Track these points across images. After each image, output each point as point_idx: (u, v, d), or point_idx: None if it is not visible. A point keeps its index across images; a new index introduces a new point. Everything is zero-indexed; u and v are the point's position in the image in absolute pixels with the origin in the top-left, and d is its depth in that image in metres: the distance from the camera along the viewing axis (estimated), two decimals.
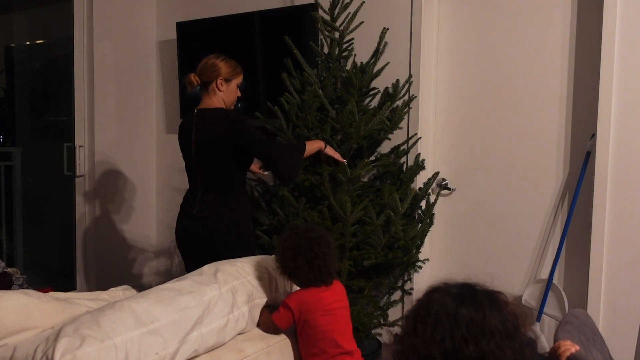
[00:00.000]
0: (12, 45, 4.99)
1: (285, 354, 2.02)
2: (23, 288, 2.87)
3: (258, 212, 2.98)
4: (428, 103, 3.17)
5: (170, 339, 1.66)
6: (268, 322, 1.99)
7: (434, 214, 3.01)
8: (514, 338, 1.10)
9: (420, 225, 2.92)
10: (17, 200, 4.58)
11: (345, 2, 2.93)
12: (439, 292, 1.13)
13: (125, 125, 4.01)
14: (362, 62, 3.03)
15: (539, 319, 2.79)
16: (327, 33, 2.87)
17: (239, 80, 2.54)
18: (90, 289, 3.86)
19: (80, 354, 1.46)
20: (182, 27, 3.81)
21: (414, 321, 1.12)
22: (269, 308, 2.05)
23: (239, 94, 2.56)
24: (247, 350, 1.87)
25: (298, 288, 2.13)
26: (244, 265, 2.08)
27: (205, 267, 2.06)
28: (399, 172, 3.04)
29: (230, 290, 1.93)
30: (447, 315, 1.08)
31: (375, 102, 3.13)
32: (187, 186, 2.59)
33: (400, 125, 3.04)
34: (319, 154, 2.72)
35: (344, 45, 2.95)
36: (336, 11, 2.94)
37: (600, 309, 2.69)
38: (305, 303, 1.93)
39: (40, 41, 4.83)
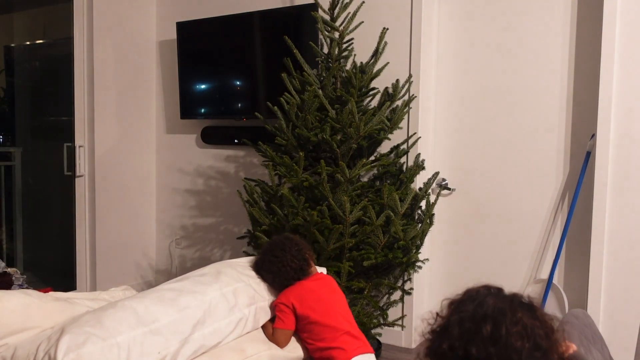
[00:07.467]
0: (12, 45, 4.99)
1: (288, 356, 2.02)
2: (23, 288, 2.87)
3: (257, 212, 2.98)
4: (428, 103, 3.17)
5: (171, 338, 1.66)
6: (275, 334, 2.01)
7: (434, 214, 3.01)
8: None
9: (420, 225, 2.92)
10: (17, 200, 4.58)
11: (345, 2, 2.93)
12: (496, 298, 1.14)
13: (125, 125, 4.01)
14: (362, 62, 3.02)
15: None
16: (327, 33, 2.87)
17: None
18: (90, 289, 3.87)
19: (83, 352, 1.46)
20: (182, 27, 3.81)
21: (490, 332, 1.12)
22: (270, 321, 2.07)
23: None
24: (249, 350, 1.87)
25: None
26: (244, 269, 2.09)
27: (207, 268, 2.06)
28: (398, 172, 3.04)
29: (232, 292, 1.93)
30: (523, 326, 1.11)
31: (375, 102, 3.13)
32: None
33: (400, 125, 3.04)
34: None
35: (344, 45, 2.94)
36: (336, 11, 2.94)
37: (600, 309, 2.69)
38: (297, 295, 2.01)
39: (40, 41, 4.82)
